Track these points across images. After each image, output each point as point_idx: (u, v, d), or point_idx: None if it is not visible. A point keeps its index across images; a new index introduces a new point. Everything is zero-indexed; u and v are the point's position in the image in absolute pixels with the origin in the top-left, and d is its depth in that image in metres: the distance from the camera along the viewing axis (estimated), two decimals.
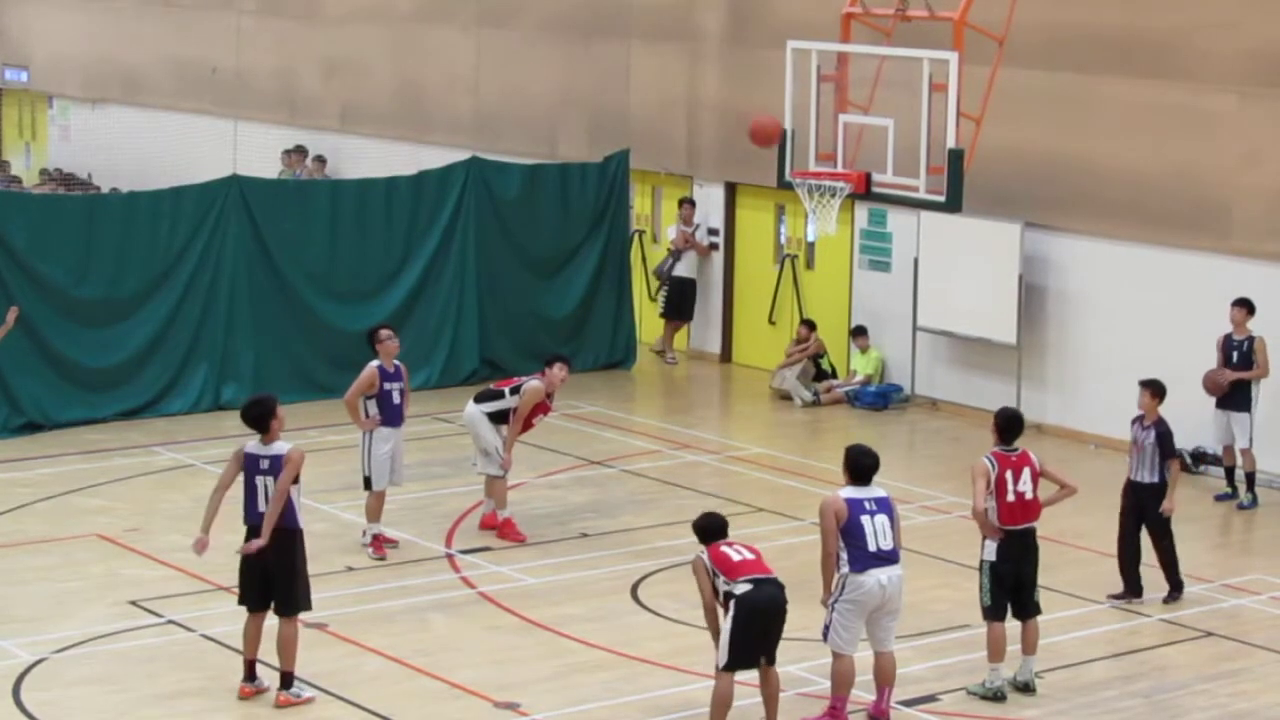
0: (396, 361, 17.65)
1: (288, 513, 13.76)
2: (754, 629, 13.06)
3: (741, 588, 13.03)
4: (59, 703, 13.94)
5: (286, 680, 13.90)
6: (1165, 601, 16.60)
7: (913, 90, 18.53)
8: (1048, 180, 22.46)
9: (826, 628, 13.60)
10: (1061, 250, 22.45)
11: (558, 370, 18.17)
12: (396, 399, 17.54)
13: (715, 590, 13.17)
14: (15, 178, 34.97)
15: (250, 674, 14.03)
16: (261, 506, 13.77)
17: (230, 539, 14.26)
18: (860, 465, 13.72)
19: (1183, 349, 20.94)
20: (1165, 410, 16.74)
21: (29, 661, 14.70)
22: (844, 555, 13.47)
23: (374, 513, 17.57)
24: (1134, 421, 16.80)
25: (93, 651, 15.02)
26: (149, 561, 17.29)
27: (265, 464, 13.83)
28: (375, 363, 17.55)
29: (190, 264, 22.88)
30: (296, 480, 13.80)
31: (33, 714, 13.69)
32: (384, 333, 17.68)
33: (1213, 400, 19.83)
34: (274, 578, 13.82)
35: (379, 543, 17.50)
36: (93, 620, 15.67)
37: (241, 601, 14.07)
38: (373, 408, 17.46)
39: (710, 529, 13.45)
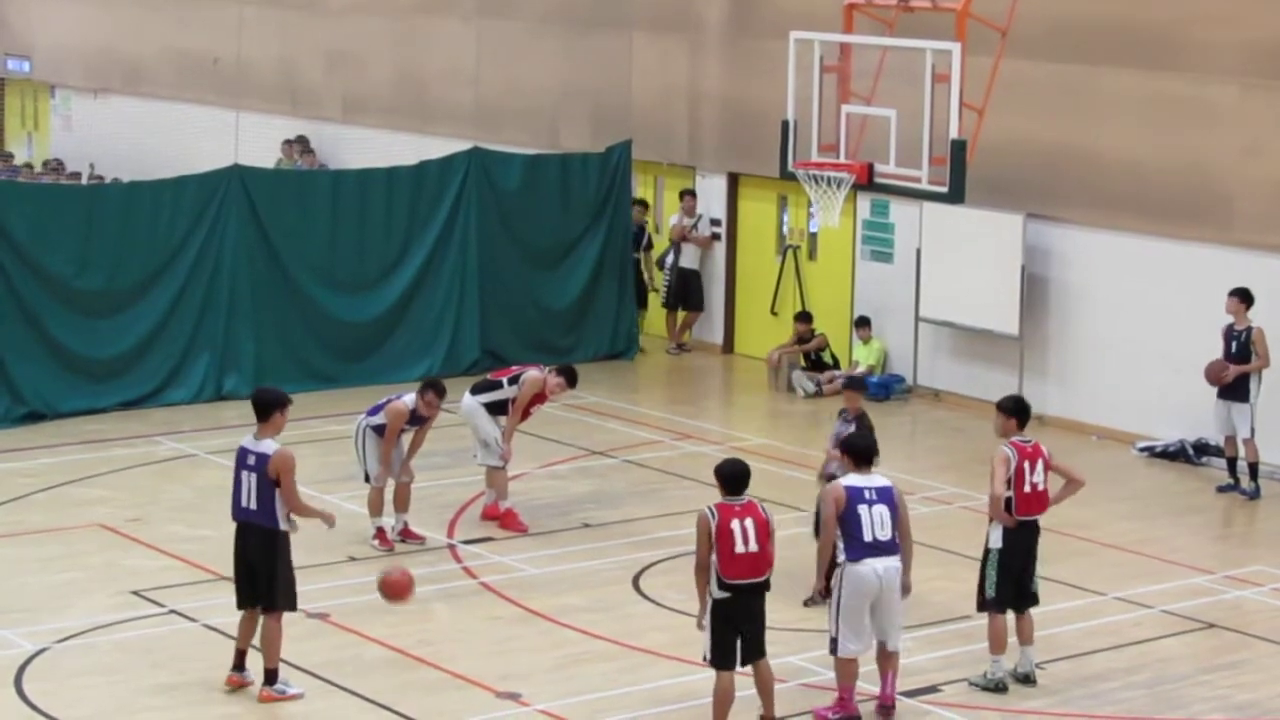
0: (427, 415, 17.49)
1: (271, 513, 13.72)
2: (730, 633, 12.97)
3: (720, 594, 12.94)
4: (60, 693, 13.94)
5: (270, 677, 13.88)
6: None
7: (915, 81, 18.51)
8: (1050, 171, 22.44)
9: (834, 641, 13.49)
10: (1064, 241, 22.42)
11: (557, 385, 18.13)
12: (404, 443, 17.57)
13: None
14: (21, 167, 34.82)
15: (239, 663, 14.04)
16: (244, 501, 13.78)
17: (229, 532, 14.20)
18: (857, 448, 13.81)
19: (1185, 340, 20.93)
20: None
21: (30, 651, 14.70)
22: (840, 545, 13.47)
23: (375, 507, 17.55)
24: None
25: (94, 641, 15.03)
26: (150, 551, 17.29)
27: (251, 459, 13.80)
28: (410, 404, 17.37)
29: (191, 254, 22.85)
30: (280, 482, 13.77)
31: (34, 704, 13.70)
32: (430, 395, 17.31)
33: (1214, 391, 19.80)
34: (256, 576, 13.84)
35: (382, 534, 17.48)
36: (94, 610, 15.67)
37: (236, 599, 14.10)
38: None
39: (730, 477, 13.06)
